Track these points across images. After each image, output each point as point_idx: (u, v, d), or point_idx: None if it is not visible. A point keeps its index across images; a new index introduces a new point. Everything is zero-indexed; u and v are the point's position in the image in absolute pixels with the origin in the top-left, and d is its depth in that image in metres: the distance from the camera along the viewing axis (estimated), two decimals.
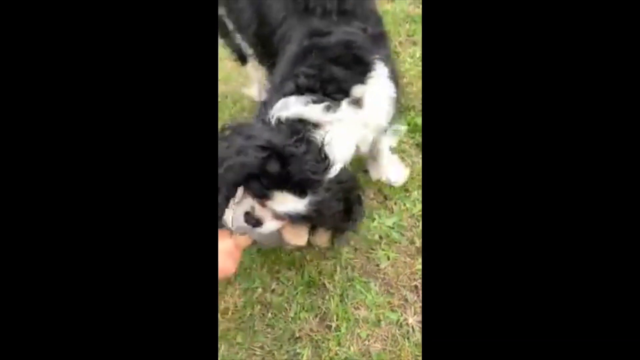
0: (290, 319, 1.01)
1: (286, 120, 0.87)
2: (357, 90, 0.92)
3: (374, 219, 1.22)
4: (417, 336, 0.98)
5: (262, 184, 0.82)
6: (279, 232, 0.92)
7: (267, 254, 1.14)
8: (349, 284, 1.07)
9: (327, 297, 1.05)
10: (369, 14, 1.04)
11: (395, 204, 1.26)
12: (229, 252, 0.89)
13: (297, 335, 0.99)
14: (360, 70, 0.92)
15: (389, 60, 0.99)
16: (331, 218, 0.88)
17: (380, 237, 1.18)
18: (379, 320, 1.00)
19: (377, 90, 0.95)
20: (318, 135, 0.86)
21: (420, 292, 1.06)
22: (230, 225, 0.89)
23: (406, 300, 1.05)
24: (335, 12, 0.97)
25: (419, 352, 0.95)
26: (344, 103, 0.90)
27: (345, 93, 0.91)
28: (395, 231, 1.19)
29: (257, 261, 1.13)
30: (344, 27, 0.96)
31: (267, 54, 1.13)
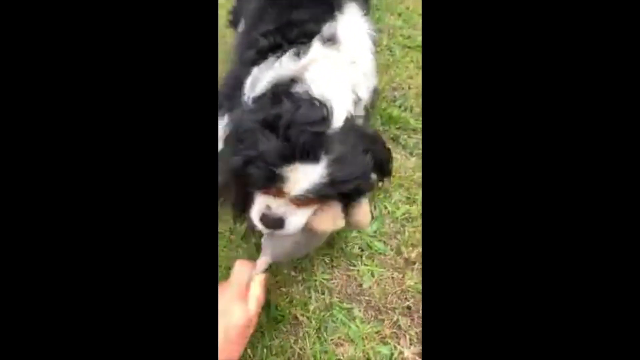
0: None
1: (261, 93, 0.73)
2: (327, 28, 0.77)
3: (351, 231, 1.01)
4: None
5: (267, 163, 0.65)
6: (307, 228, 0.74)
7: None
8: (327, 313, 0.86)
9: (300, 333, 0.83)
10: None
11: (375, 207, 1.06)
12: (239, 334, 0.66)
13: None
14: (326, 9, 0.78)
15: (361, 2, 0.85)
16: (365, 176, 0.71)
17: (361, 250, 0.97)
18: (368, 359, 0.79)
19: (352, 25, 0.80)
20: (300, 88, 0.70)
21: (415, 315, 0.86)
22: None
23: (399, 327, 0.84)
24: None
25: None
26: (315, 42, 0.75)
27: (313, 34, 0.76)
28: (378, 240, 0.99)
29: None
30: None
31: None
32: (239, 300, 0.68)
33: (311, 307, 0.87)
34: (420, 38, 1.70)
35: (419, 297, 0.89)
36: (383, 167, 0.78)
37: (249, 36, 0.83)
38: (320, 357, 0.80)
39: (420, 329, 0.84)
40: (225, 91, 0.85)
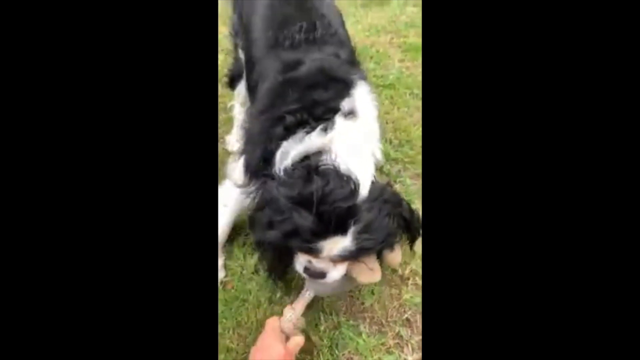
0: None
1: (293, 166, 0.81)
2: (346, 104, 0.88)
3: None
4: None
5: (303, 239, 0.75)
6: (348, 275, 0.84)
7: (239, 313, 1.00)
8: (336, 332, 0.96)
9: (315, 352, 0.93)
10: (341, 42, 1.02)
11: None
12: None
13: None
14: (342, 87, 0.89)
15: (366, 80, 0.96)
16: (390, 240, 0.81)
17: None
18: None
19: (365, 100, 0.91)
20: (329, 161, 0.79)
21: (414, 325, 0.97)
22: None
23: (400, 337, 0.95)
24: (303, 42, 0.96)
25: None
26: (338, 117, 0.85)
27: (335, 111, 0.86)
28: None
29: (229, 324, 0.99)
30: (315, 54, 0.93)
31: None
32: (280, 339, 0.80)
33: (321, 327, 0.97)
34: (391, 77, 1.90)
35: (416, 309, 1.00)
36: (410, 227, 0.85)
37: (270, 114, 0.89)
38: None
39: (420, 337, 0.95)
40: (253, 163, 0.91)
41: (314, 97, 0.86)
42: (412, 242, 0.89)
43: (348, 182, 0.76)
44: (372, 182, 0.81)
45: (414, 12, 2.53)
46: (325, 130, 0.83)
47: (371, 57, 2.02)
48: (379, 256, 0.86)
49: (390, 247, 0.84)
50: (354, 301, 1.03)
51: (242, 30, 1.28)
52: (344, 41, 1.06)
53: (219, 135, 1.55)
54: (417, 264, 1.09)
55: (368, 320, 0.99)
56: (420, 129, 1.58)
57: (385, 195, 0.81)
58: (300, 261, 0.82)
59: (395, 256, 0.88)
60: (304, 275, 0.83)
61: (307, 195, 0.74)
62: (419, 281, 1.06)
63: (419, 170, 1.40)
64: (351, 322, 0.98)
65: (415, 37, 2.23)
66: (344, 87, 0.89)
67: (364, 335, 0.95)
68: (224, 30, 2.39)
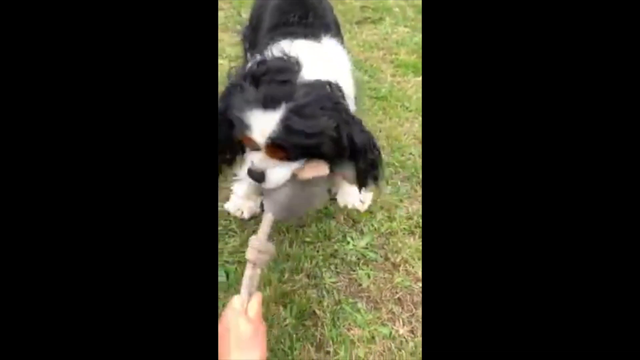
0: (287, 351, 1.00)
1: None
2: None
3: (348, 242, 1.28)
4: (410, 345, 1.03)
5: (236, 109, 0.77)
6: (296, 181, 0.83)
7: None
8: (337, 307, 1.10)
9: (319, 323, 1.06)
10: (329, 26, 1.26)
11: (365, 225, 1.33)
12: (251, 342, 0.72)
13: None
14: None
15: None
16: (323, 132, 0.78)
17: (358, 258, 1.24)
18: (373, 337, 1.04)
19: (338, 50, 1.11)
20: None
21: (404, 303, 1.12)
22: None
23: (393, 313, 1.10)
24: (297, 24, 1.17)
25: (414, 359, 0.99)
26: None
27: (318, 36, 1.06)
28: (370, 251, 1.26)
29: None
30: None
31: None
32: (240, 316, 0.75)
33: (325, 304, 1.11)
34: (383, 90, 2.08)
35: (406, 290, 1.15)
36: (352, 134, 0.82)
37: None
38: (336, 339, 1.03)
39: (409, 313, 1.10)
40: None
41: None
42: (353, 160, 0.87)
43: (291, 61, 0.80)
44: (321, 80, 0.82)
45: (405, 32, 2.74)
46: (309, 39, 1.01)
47: (366, 71, 2.20)
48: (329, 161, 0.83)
49: (327, 148, 0.80)
50: (352, 282, 1.17)
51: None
52: (332, 27, 1.28)
53: None
54: (406, 253, 1.24)
55: (365, 299, 1.13)
56: (410, 137, 1.75)
57: (332, 96, 0.81)
58: (247, 162, 0.85)
59: (346, 173, 0.88)
60: (249, 179, 0.84)
61: (254, 72, 0.79)
62: (409, 268, 1.21)
63: (409, 174, 1.56)
64: (350, 299, 1.12)
65: (405, 55, 2.43)
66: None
67: (361, 311, 1.09)
68: (224, 37, 2.53)
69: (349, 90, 0.97)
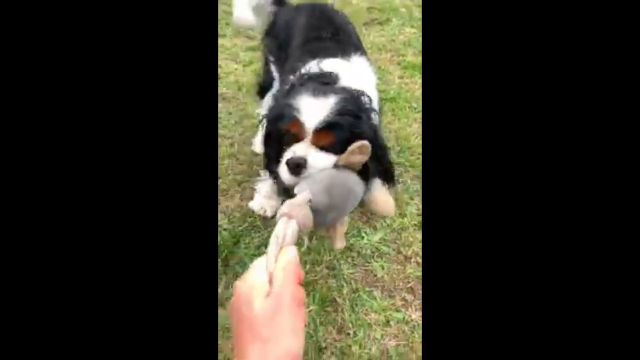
0: (312, 333, 1.13)
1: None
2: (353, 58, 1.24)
3: (362, 237, 1.40)
4: (422, 329, 1.15)
5: (286, 101, 0.93)
6: (336, 168, 0.86)
7: None
8: (355, 295, 1.23)
9: (339, 309, 1.19)
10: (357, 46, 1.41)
11: (377, 222, 1.45)
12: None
13: (323, 345, 1.10)
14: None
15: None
16: (355, 131, 0.90)
17: (372, 252, 1.36)
18: (388, 321, 1.16)
19: (366, 67, 1.27)
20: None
21: (416, 292, 1.25)
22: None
23: (406, 300, 1.22)
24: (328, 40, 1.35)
25: None
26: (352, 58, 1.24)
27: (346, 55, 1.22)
28: (383, 245, 1.38)
29: None
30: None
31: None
32: (254, 289, 0.55)
33: (344, 291, 1.23)
34: (392, 91, 2.18)
35: (417, 280, 1.27)
36: (377, 153, 0.93)
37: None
38: (355, 323, 1.15)
39: (420, 300, 1.22)
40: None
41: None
42: (382, 171, 1.02)
43: (330, 74, 1.02)
44: (352, 89, 0.99)
45: (411, 33, 2.83)
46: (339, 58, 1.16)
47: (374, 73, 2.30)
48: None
49: (369, 133, 0.92)
50: (368, 273, 1.30)
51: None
52: (359, 47, 1.43)
53: (247, 139, 1.80)
54: (417, 247, 1.36)
55: (380, 288, 1.26)
56: (419, 137, 1.86)
57: (365, 105, 0.99)
58: (286, 156, 0.90)
59: (385, 202, 1.03)
60: (288, 173, 0.89)
61: (298, 79, 1.01)
62: (420, 260, 1.33)
63: (418, 172, 1.68)
64: (367, 288, 1.25)
65: (412, 56, 2.52)
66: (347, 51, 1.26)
67: (377, 299, 1.22)
68: (237, 42, 2.63)
69: (375, 101, 1.10)
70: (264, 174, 1.38)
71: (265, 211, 1.43)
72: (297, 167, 0.88)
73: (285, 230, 0.69)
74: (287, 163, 0.89)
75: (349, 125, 0.91)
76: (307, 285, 1.23)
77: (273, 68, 1.60)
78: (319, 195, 0.79)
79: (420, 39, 2.73)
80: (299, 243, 0.72)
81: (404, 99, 2.14)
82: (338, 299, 1.22)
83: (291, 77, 1.14)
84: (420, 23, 2.94)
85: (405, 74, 2.37)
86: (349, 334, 1.13)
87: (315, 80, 1.02)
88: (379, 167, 1.00)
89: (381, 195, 1.07)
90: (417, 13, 3.08)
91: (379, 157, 0.97)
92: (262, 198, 1.44)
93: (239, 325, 0.52)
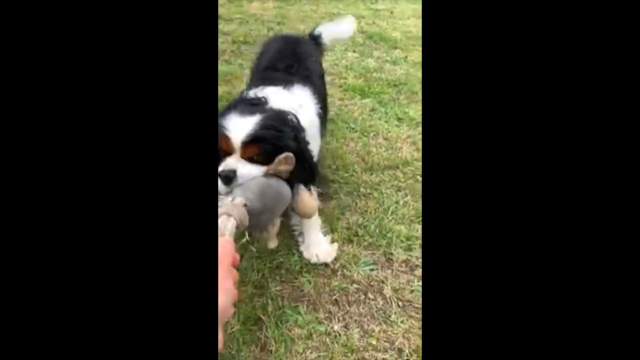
0: (234, 354, 1.14)
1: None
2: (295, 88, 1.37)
3: (293, 254, 1.43)
4: (344, 339, 1.18)
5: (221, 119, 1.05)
6: (266, 176, 0.98)
7: None
8: (280, 311, 1.25)
9: (264, 327, 1.21)
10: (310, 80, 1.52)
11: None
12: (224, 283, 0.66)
13: None
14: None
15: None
16: (282, 145, 1.02)
17: (301, 267, 1.39)
18: (311, 334, 1.19)
19: (305, 96, 1.37)
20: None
21: (340, 304, 1.28)
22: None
23: (330, 312, 1.25)
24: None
25: (347, 350, 1.14)
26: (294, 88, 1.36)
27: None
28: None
29: None
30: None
31: None
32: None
33: (269, 309, 1.25)
34: (332, 112, 2.27)
35: (343, 291, 1.31)
36: (304, 162, 1.08)
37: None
38: (279, 339, 1.17)
39: (344, 312, 1.25)
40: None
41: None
42: (307, 178, 1.12)
43: (260, 99, 1.14)
44: (281, 111, 1.12)
45: (353, 57, 2.97)
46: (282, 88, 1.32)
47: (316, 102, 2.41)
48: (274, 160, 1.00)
49: (285, 162, 1.00)
50: (295, 289, 1.32)
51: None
52: (309, 78, 1.54)
53: None
54: (344, 259, 1.41)
55: (305, 302, 1.28)
56: (354, 155, 1.94)
57: (290, 122, 1.10)
58: (220, 167, 1.01)
59: (306, 201, 1.10)
60: (221, 183, 0.98)
61: (233, 102, 1.13)
62: (346, 272, 1.37)
63: (351, 189, 1.74)
64: (292, 304, 1.27)
65: (353, 79, 2.65)
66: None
67: (302, 313, 1.24)
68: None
69: (310, 125, 1.26)
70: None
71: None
72: (227, 178, 0.99)
73: (224, 224, 0.83)
74: (220, 175, 1.00)
75: (272, 138, 1.04)
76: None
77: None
78: (253, 200, 0.92)
79: (361, 63, 2.88)
80: (237, 238, 0.86)
81: (342, 119, 2.23)
82: (263, 317, 1.23)
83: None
84: (361, 48, 3.10)
85: (346, 96, 2.48)
86: (270, 351, 1.15)
87: (244, 103, 1.14)
88: (301, 174, 1.10)
89: (306, 197, 1.16)
90: (360, 39, 3.25)
91: (304, 166, 1.10)
92: None
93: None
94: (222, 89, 2.38)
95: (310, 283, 1.34)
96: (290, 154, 1.00)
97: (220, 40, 3.06)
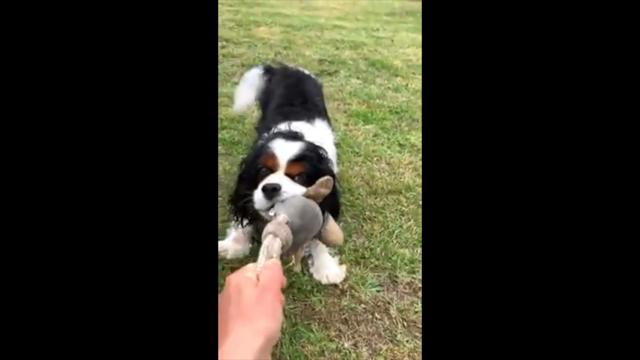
0: None
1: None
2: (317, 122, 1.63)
3: (304, 274, 1.52)
4: (353, 356, 1.26)
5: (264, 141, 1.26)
6: (307, 197, 1.03)
7: None
8: (294, 329, 1.33)
9: (279, 343, 1.29)
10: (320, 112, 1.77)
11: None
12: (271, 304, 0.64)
13: None
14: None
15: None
16: (319, 173, 1.14)
17: (312, 287, 1.48)
18: (323, 351, 1.27)
19: (325, 128, 1.61)
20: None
21: (349, 322, 1.37)
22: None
23: (340, 330, 1.34)
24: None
25: None
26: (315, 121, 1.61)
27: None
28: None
29: None
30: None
31: None
32: (247, 280, 0.67)
33: (284, 326, 1.33)
34: (337, 137, 2.39)
35: (352, 311, 1.40)
36: (334, 196, 1.23)
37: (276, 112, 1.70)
38: (293, 355, 1.25)
39: (353, 330, 1.34)
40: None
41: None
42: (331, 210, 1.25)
43: (297, 131, 1.32)
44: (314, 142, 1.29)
45: (357, 84, 3.12)
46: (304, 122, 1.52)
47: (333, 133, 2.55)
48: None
49: (325, 185, 1.04)
50: (307, 307, 1.41)
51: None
52: (323, 113, 1.81)
53: None
54: (352, 281, 1.50)
55: (317, 320, 1.37)
56: (359, 179, 2.05)
57: (324, 153, 1.28)
58: (259, 187, 1.10)
59: (334, 233, 1.21)
60: (263, 196, 1.08)
61: (272, 134, 1.35)
62: (354, 293, 1.46)
63: (357, 212, 1.85)
64: (305, 322, 1.36)
65: (357, 105, 2.78)
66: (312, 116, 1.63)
67: (314, 331, 1.33)
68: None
69: (332, 155, 1.46)
70: (233, 219, 1.50)
71: (226, 252, 1.54)
72: (273, 190, 1.06)
73: (271, 245, 0.82)
74: (264, 188, 1.07)
75: (316, 160, 1.20)
76: None
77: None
78: (294, 216, 0.94)
79: (364, 89, 3.02)
80: (282, 259, 0.85)
81: (348, 144, 2.35)
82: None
83: (265, 134, 1.44)
84: (364, 75, 3.25)
85: (350, 121, 2.60)
86: None
87: (283, 134, 1.31)
88: (331, 203, 1.22)
89: (334, 226, 1.26)
90: (363, 65, 3.40)
91: (333, 195, 1.22)
92: (229, 241, 1.56)
93: (228, 307, 0.63)
94: (229, 110, 2.49)
95: (321, 302, 1.43)
96: (331, 178, 1.06)
97: (230, 63, 3.20)
